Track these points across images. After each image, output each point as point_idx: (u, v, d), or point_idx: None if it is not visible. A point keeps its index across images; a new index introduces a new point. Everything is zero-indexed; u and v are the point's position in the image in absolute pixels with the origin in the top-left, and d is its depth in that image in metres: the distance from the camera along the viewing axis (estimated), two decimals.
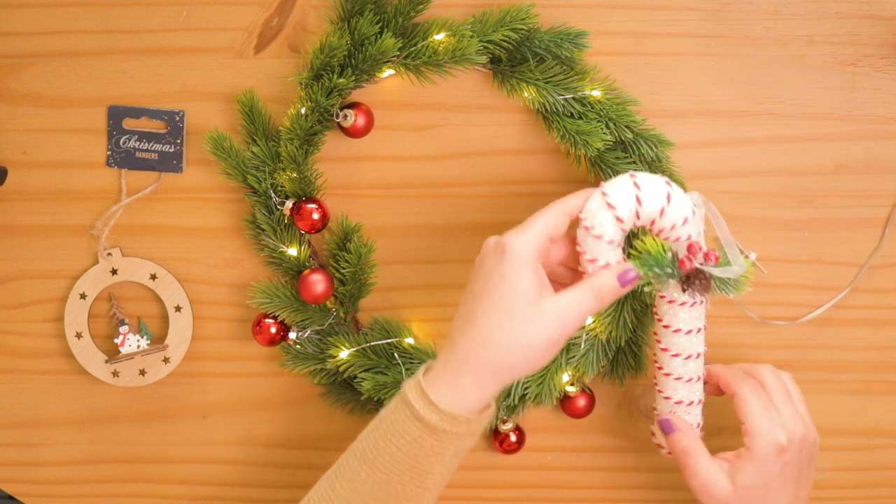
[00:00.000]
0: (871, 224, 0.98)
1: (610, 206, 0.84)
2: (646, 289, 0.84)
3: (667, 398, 0.91)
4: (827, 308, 0.99)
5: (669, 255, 0.84)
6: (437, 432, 0.81)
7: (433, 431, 0.81)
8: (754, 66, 0.97)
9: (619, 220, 0.84)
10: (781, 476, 0.87)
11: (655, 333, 0.91)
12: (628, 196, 0.84)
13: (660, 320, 0.90)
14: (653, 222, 0.85)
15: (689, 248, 0.84)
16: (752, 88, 0.97)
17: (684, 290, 0.84)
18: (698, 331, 0.89)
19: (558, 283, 0.87)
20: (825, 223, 0.98)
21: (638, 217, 0.85)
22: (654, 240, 0.84)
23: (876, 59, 0.96)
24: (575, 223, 0.86)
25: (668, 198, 0.84)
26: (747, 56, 0.97)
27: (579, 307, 0.82)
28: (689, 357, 0.90)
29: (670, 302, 0.88)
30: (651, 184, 0.85)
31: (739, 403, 0.89)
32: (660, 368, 0.91)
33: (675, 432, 0.90)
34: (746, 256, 0.87)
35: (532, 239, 0.83)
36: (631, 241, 0.88)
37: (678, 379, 0.90)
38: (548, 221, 0.84)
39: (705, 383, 0.92)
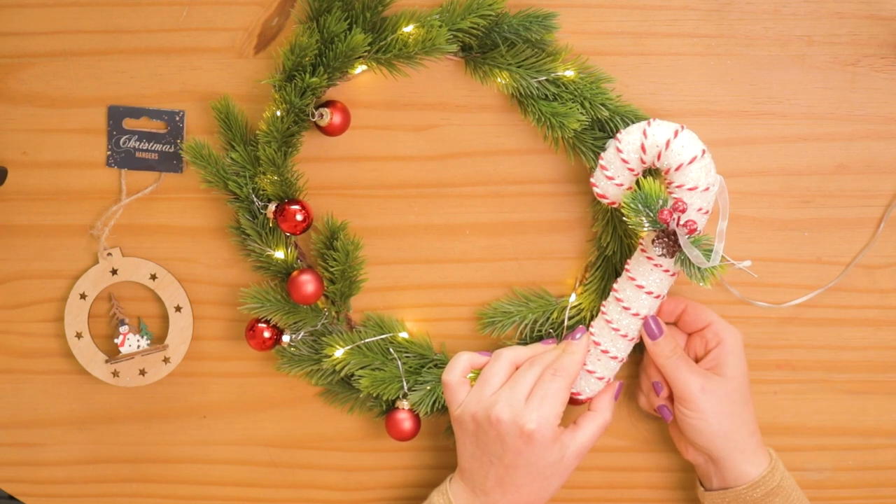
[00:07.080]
0: (870, 224, 0.98)
1: (619, 149, 0.91)
2: (626, 220, 0.89)
3: (596, 343, 0.95)
4: (811, 298, 0.99)
5: (660, 202, 0.88)
6: None
7: None
8: (754, 66, 0.97)
9: (624, 161, 0.90)
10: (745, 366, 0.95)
11: (615, 286, 0.94)
12: (636, 133, 0.90)
13: (628, 271, 0.93)
14: (659, 155, 0.89)
15: (676, 202, 0.87)
16: (752, 88, 0.97)
17: (653, 242, 0.88)
18: (653, 295, 0.93)
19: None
20: (825, 223, 0.98)
21: (644, 150, 0.89)
22: (658, 185, 0.88)
23: (876, 59, 0.96)
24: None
25: (676, 133, 0.89)
26: (747, 56, 0.97)
27: (593, 438, 0.93)
28: (633, 313, 0.93)
29: (648, 258, 0.92)
30: (662, 123, 0.90)
31: (704, 313, 0.96)
32: (603, 314, 0.94)
33: (661, 336, 0.94)
34: (730, 262, 0.89)
35: (553, 418, 0.90)
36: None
37: (615, 329, 0.94)
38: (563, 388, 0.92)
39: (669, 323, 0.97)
